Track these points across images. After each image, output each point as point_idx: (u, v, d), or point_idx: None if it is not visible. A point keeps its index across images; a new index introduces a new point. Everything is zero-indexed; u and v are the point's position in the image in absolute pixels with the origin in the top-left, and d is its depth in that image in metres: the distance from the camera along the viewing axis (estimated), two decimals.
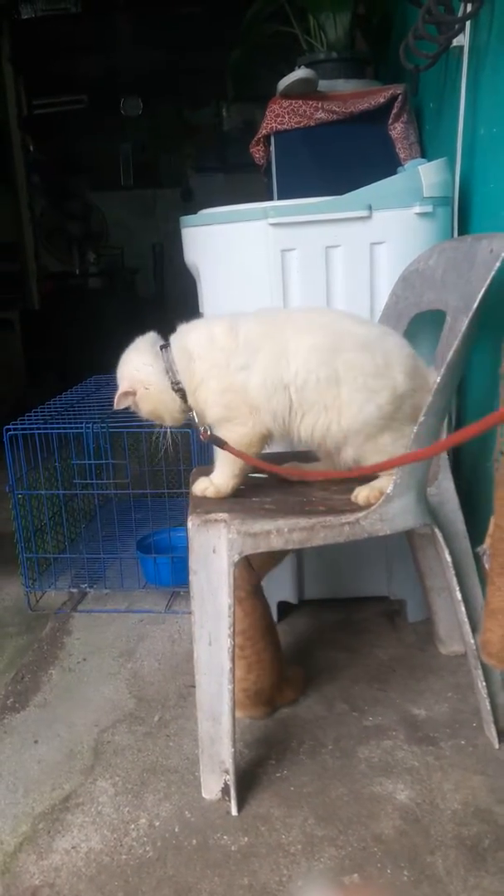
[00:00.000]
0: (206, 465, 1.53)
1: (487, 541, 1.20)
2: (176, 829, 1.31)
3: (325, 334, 1.32)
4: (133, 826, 1.33)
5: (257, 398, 1.31)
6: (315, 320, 1.37)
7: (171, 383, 1.35)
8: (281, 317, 1.42)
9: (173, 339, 1.39)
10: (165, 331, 1.42)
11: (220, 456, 1.38)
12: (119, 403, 1.40)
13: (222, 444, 1.35)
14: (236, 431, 1.34)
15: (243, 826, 1.31)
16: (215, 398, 1.33)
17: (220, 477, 1.40)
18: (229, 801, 1.35)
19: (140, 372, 1.37)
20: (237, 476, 1.39)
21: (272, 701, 1.58)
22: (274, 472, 1.43)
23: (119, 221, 5.81)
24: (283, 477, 1.50)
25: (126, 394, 1.39)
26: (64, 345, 4.75)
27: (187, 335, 1.38)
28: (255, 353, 1.31)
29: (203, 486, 1.41)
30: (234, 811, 1.34)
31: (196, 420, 1.38)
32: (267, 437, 1.36)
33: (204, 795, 1.38)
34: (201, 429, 1.37)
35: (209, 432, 1.36)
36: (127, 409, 1.42)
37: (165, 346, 1.38)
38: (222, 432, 1.35)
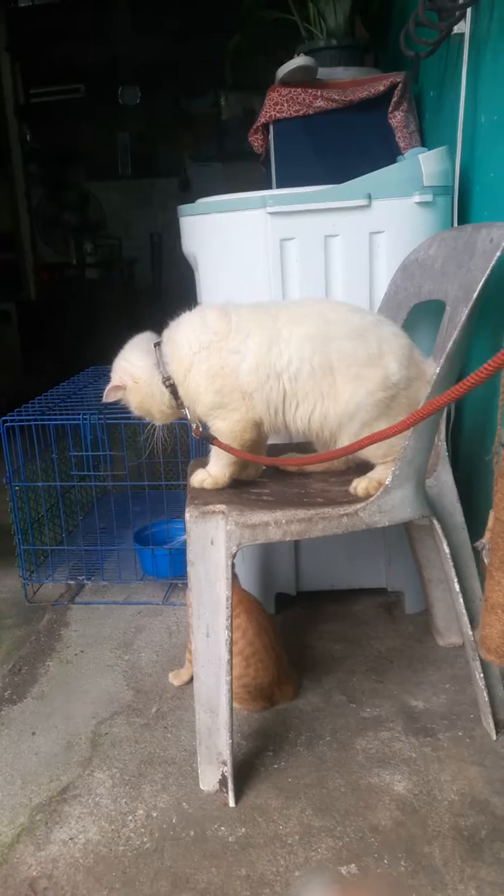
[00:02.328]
0: (204, 457, 1.52)
1: (487, 535, 1.19)
2: (174, 821, 1.31)
3: (318, 323, 1.32)
4: (131, 817, 1.33)
5: (250, 383, 1.31)
6: (308, 310, 1.37)
7: (162, 378, 1.35)
8: (274, 306, 1.41)
9: (164, 334, 1.39)
10: (163, 323, 1.42)
11: (214, 450, 1.38)
12: (108, 397, 1.41)
13: (212, 440, 1.35)
14: (230, 418, 1.33)
15: (241, 817, 1.31)
16: (207, 383, 1.32)
17: (216, 467, 1.39)
18: (227, 792, 1.34)
19: (131, 366, 1.38)
20: (233, 464, 1.39)
21: (272, 697, 1.58)
22: (267, 464, 1.42)
23: (116, 211, 5.77)
24: (282, 468, 1.49)
25: (115, 388, 1.40)
26: (61, 336, 4.73)
27: (177, 327, 1.38)
28: (246, 338, 1.31)
29: (201, 478, 1.40)
30: (231, 802, 1.34)
31: (188, 415, 1.37)
32: (260, 425, 1.35)
33: (201, 787, 1.38)
34: (193, 425, 1.37)
35: (201, 429, 1.36)
36: (118, 402, 1.43)
37: (159, 343, 1.38)
38: (216, 421, 1.35)
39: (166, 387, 1.35)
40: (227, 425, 1.34)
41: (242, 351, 1.31)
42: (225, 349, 1.31)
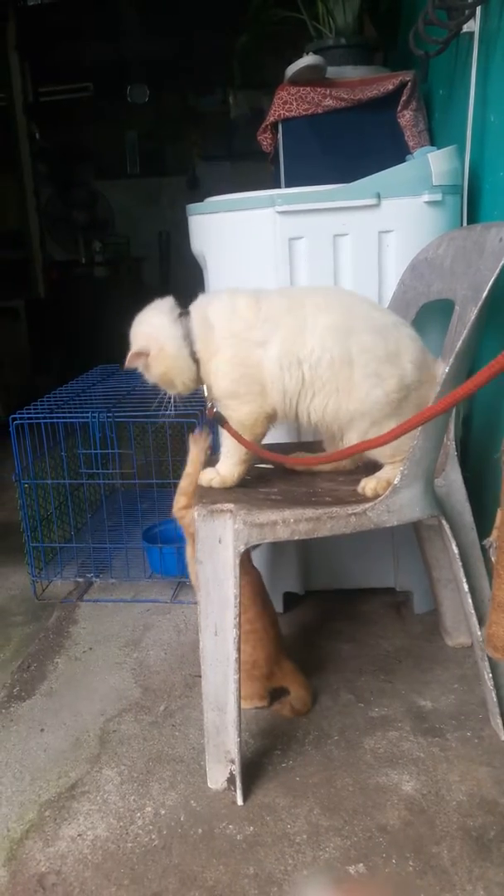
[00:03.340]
0: (212, 456, 1.52)
1: (494, 533, 1.19)
2: (181, 818, 1.32)
3: (342, 314, 1.32)
4: (139, 814, 1.34)
5: (271, 373, 1.30)
6: (334, 299, 1.37)
7: (190, 351, 1.33)
8: (299, 292, 1.41)
9: (194, 307, 1.37)
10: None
11: (225, 444, 1.38)
12: (130, 363, 1.37)
13: (223, 423, 1.34)
14: (242, 410, 1.33)
15: (249, 816, 1.31)
16: (227, 369, 1.32)
17: (225, 466, 1.39)
18: (235, 790, 1.35)
19: (158, 332, 1.34)
20: (243, 463, 1.38)
21: (271, 676, 1.55)
22: (278, 462, 1.42)
23: (125, 210, 5.78)
24: (290, 467, 1.49)
25: (138, 354, 1.36)
26: (69, 334, 4.74)
27: (209, 304, 1.36)
28: (274, 328, 1.31)
29: (209, 477, 1.40)
30: (239, 801, 1.34)
31: (206, 393, 1.36)
32: (272, 418, 1.35)
33: (209, 785, 1.38)
34: (209, 404, 1.36)
35: (215, 409, 1.35)
36: (135, 370, 1.39)
37: (185, 314, 1.36)
38: (227, 409, 1.34)
39: (193, 360, 1.34)
40: (237, 416, 1.34)
41: (269, 342, 1.30)
42: (250, 340, 1.31)
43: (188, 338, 1.33)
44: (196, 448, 1.50)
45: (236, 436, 1.34)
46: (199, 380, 1.36)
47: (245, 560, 1.53)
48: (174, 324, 1.34)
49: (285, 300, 1.35)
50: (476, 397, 1.76)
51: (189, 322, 1.34)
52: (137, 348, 1.36)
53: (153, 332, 1.35)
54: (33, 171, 5.16)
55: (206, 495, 1.37)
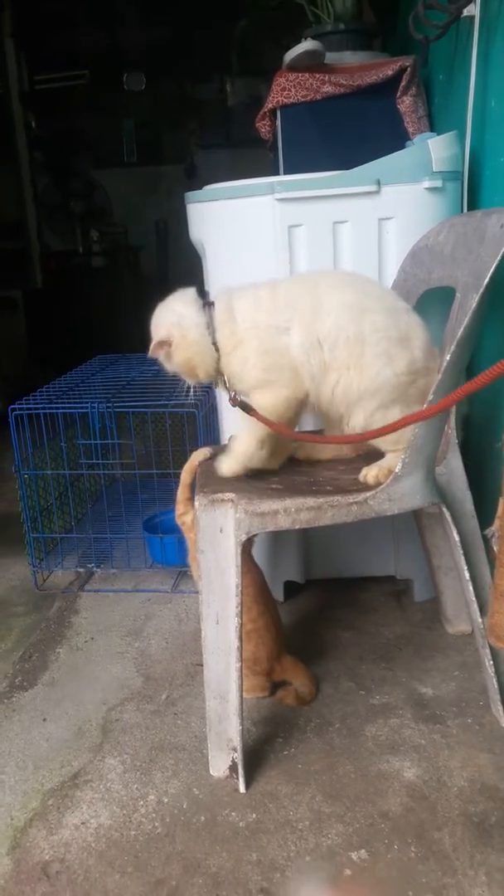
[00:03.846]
0: (215, 445, 1.52)
1: (496, 523, 1.19)
2: (184, 806, 1.32)
3: (356, 293, 1.33)
4: (142, 802, 1.34)
5: (298, 357, 1.31)
6: (348, 279, 1.40)
7: (212, 340, 1.33)
8: (315, 275, 1.42)
9: (218, 298, 1.37)
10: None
11: (245, 424, 1.36)
12: (154, 352, 1.37)
13: (249, 410, 1.34)
14: (278, 394, 1.32)
15: (251, 803, 1.32)
16: (255, 360, 1.32)
17: (241, 445, 1.38)
18: (237, 778, 1.35)
19: (182, 319, 1.35)
20: (262, 445, 1.37)
21: (271, 672, 1.57)
22: (300, 439, 1.40)
23: (122, 199, 5.75)
24: (291, 455, 1.49)
25: (162, 343, 1.36)
26: (68, 324, 4.73)
27: (232, 297, 1.36)
28: (294, 312, 1.31)
29: (226, 467, 1.39)
30: (241, 788, 1.35)
31: (227, 383, 1.36)
32: (304, 402, 1.35)
33: (212, 773, 1.39)
34: (231, 393, 1.35)
35: (238, 398, 1.35)
36: (155, 361, 1.39)
37: (209, 304, 1.36)
38: (259, 396, 1.34)
39: (216, 350, 1.34)
40: (270, 401, 1.33)
41: (291, 326, 1.31)
42: (273, 327, 1.31)
43: (211, 326, 1.33)
44: (191, 464, 1.51)
45: (266, 421, 1.32)
46: (219, 369, 1.35)
47: (247, 559, 1.54)
48: (198, 313, 1.35)
49: (300, 283, 1.37)
50: None
51: (213, 312, 1.35)
52: (160, 337, 1.36)
53: (177, 319, 1.35)
54: (30, 161, 5.13)
55: (207, 485, 1.37)
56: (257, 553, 1.88)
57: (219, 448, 1.53)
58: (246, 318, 1.33)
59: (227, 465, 1.39)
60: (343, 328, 1.29)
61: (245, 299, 1.35)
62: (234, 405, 1.35)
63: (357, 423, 1.33)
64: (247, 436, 1.37)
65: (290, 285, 1.37)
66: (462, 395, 1.09)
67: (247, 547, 1.53)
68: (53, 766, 1.45)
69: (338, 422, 1.39)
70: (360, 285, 1.38)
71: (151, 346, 1.37)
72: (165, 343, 1.35)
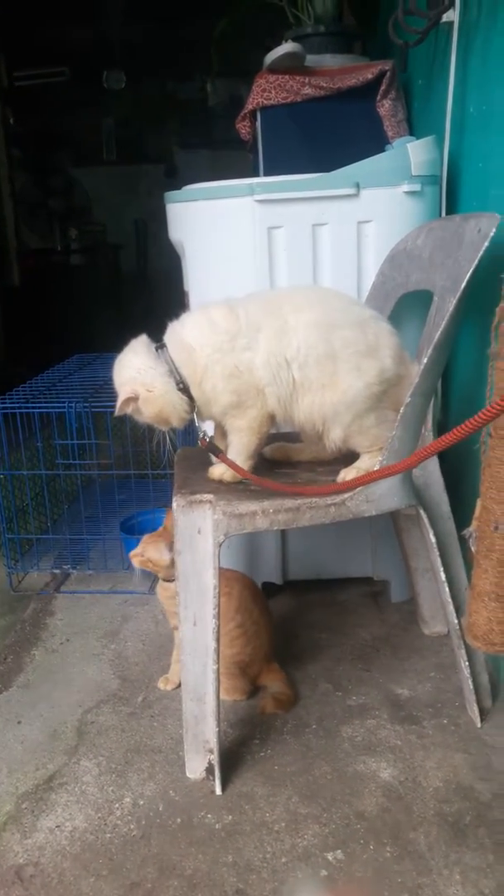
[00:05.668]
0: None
1: (474, 523, 1.20)
2: (160, 808, 1.32)
3: (322, 310, 1.32)
4: (117, 805, 1.33)
5: (263, 378, 1.30)
6: (310, 297, 1.37)
7: (176, 383, 1.30)
8: (277, 295, 1.41)
9: (167, 337, 1.34)
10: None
11: (234, 439, 1.36)
12: (121, 410, 1.34)
13: (217, 453, 1.35)
14: (247, 415, 1.32)
15: (227, 805, 1.32)
16: (223, 385, 1.30)
17: (236, 460, 1.37)
18: (213, 780, 1.35)
19: (142, 375, 1.31)
20: (251, 458, 1.37)
21: (259, 675, 1.58)
22: (279, 490, 1.39)
23: (101, 197, 5.72)
24: (268, 457, 1.49)
25: (128, 400, 1.32)
26: (45, 322, 4.69)
27: (182, 329, 1.34)
28: (257, 332, 1.30)
29: (220, 471, 1.38)
30: (218, 790, 1.34)
31: (197, 420, 1.34)
32: (273, 419, 1.35)
33: (188, 775, 1.38)
34: (200, 434, 1.35)
35: (207, 439, 1.35)
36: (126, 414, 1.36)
37: (161, 347, 1.33)
38: (234, 420, 1.33)
39: (183, 392, 1.31)
40: (245, 422, 1.33)
41: (254, 347, 1.29)
42: (237, 348, 1.29)
43: (173, 372, 1.31)
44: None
45: (233, 466, 1.33)
46: (192, 409, 1.33)
47: (233, 574, 1.57)
48: (156, 361, 1.32)
49: (262, 303, 1.34)
50: (453, 388, 1.77)
51: (167, 354, 1.32)
52: (126, 394, 1.32)
53: (136, 375, 1.32)
54: (7, 157, 5.08)
55: (185, 485, 1.36)
56: (235, 554, 1.88)
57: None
58: (204, 344, 1.30)
59: (227, 476, 1.38)
60: (313, 346, 1.28)
61: (197, 327, 1.33)
62: (203, 446, 1.35)
63: (336, 436, 1.34)
64: (236, 454, 1.36)
65: (251, 306, 1.33)
66: (433, 453, 1.12)
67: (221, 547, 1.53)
68: (28, 769, 1.43)
69: (315, 437, 1.39)
70: (325, 301, 1.35)
71: (118, 405, 1.33)
72: (132, 399, 1.32)
